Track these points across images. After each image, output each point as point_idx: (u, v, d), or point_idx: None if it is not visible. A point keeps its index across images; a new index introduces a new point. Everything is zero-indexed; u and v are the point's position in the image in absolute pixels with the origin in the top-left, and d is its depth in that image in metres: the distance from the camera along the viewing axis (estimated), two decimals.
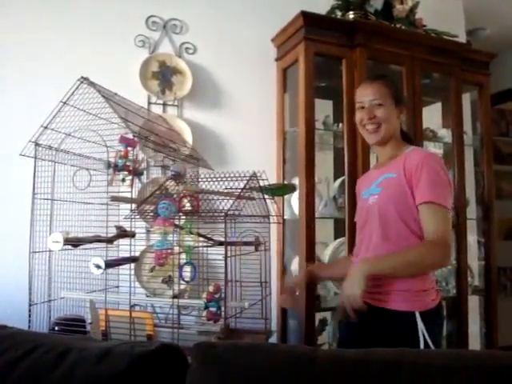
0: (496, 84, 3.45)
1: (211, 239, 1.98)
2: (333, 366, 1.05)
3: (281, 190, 2.23)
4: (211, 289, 1.73)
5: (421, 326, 1.58)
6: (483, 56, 3.01)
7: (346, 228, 2.43)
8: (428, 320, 1.60)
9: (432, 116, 2.97)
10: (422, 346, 1.56)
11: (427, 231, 1.59)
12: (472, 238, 3.00)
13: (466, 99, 3.12)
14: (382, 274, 1.61)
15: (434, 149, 3.00)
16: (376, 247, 1.70)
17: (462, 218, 2.76)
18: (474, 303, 3.00)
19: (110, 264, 1.80)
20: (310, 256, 2.34)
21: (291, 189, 2.29)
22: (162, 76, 2.56)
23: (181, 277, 1.87)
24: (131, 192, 1.84)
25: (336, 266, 2.12)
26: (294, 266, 2.53)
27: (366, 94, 1.78)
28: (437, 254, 1.58)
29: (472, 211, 2.99)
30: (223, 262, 1.67)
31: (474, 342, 2.92)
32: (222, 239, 1.73)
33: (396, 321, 1.61)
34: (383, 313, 1.63)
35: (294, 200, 2.53)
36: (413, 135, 2.47)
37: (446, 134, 2.90)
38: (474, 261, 3.00)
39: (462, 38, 3.25)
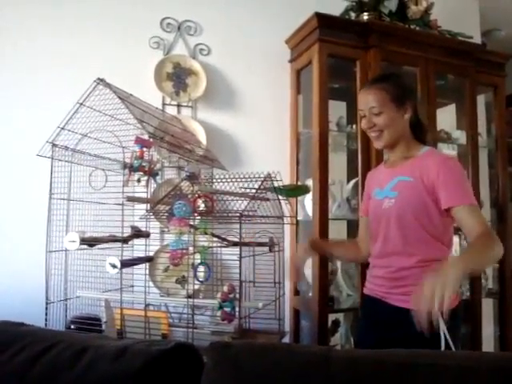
0: (511, 85, 3.42)
1: (226, 240, 1.99)
2: (348, 366, 1.05)
3: (294, 192, 2.23)
4: (225, 289, 1.75)
5: (442, 326, 1.57)
6: (498, 57, 3.00)
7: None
8: (449, 319, 1.58)
9: (446, 117, 2.96)
10: (443, 345, 1.55)
11: (472, 229, 1.56)
12: None
13: (481, 101, 3.11)
14: (471, 271, 1.55)
15: (448, 150, 2.99)
16: (396, 248, 1.70)
17: None
18: (487, 306, 2.98)
19: (125, 264, 1.82)
20: (324, 257, 2.34)
21: (305, 190, 2.30)
22: (177, 77, 2.58)
23: (195, 277, 1.88)
24: (146, 192, 1.86)
25: (342, 246, 2.13)
26: (308, 267, 2.52)
27: (364, 102, 1.75)
28: (497, 242, 1.54)
29: (486, 213, 2.97)
30: (237, 262, 1.69)
31: (488, 345, 2.90)
32: (237, 240, 1.74)
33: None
34: (403, 312, 1.62)
35: (308, 201, 2.53)
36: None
37: (460, 136, 2.89)
38: None
39: (477, 39, 3.24)
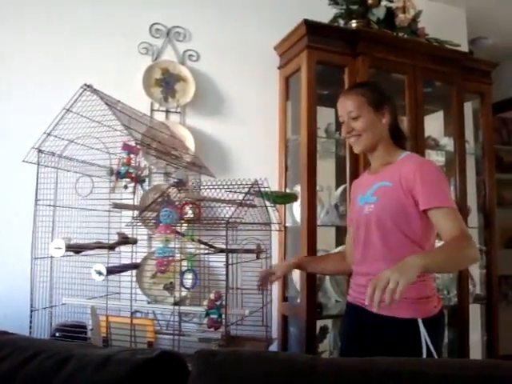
0: (498, 93, 3.46)
1: (213, 246, 1.98)
2: (333, 374, 1.05)
3: (282, 199, 2.23)
4: (212, 296, 1.74)
5: (423, 333, 1.58)
6: (485, 65, 3.03)
7: None
8: (430, 327, 1.60)
9: (434, 124, 2.98)
10: (424, 353, 1.56)
11: (447, 231, 1.55)
12: None
13: (468, 108, 3.14)
14: (433, 269, 1.56)
15: (437, 157, 3.01)
16: (376, 254, 1.70)
17: None
18: (475, 312, 2.99)
19: (111, 270, 1.81)
20: None
21: (293, 198, 2.30)
22: (165, 83, 2.58)
23: (182, 284, 1.87)
24: (133, 199, 1.85)
25: (327, 260, 2.15)
26: (296, 273, 2.53)
27: (342, 108, 1.77)
28: (472, 246, 1.54)
29: (473, 219, 3.00)
30: (224, 269, 1.68)
31: (475, 351, 2.91)
32: (224, 246, 1.74)
33: (399, 328, 1.61)
34: (385, 320, 1.62)
35: (296, 208, 2.53)
36: (411, 137, 2.49)
37: (447, 143, 2.91)
38: (475, 269, 2.99)
39: (464, 47, 3.27)
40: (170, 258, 1.75)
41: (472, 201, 3.01)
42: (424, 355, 1.55)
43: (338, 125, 2.65)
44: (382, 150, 1.77)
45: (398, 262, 1.58)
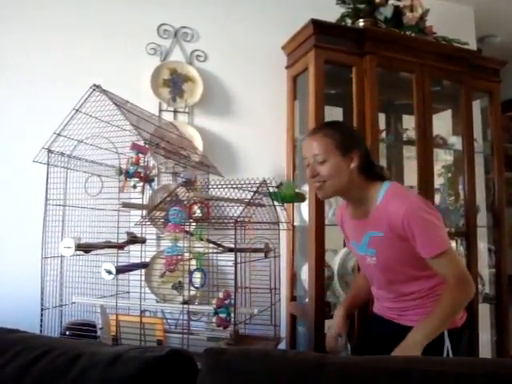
0: (507, 91, 3.44)
1: (221, 246, 1.99)
2: (342, 373, 1.05)
3: (290, 198, 2.23)
4: (221, 295, 1.75)
5: (447, 343, 1.59)
6: (493, 63, 3.01)
7: None
8: (454, 339, 1.62)
9: (442, 123, 2.97)
10: None
11: (445, 277, 1.58)
12: (482, 246, 2.98)
13: (477, 106, 3.12)
14: (434, 337, 1.54)
15: (445, 156, 3.01)
16: (391, 287, 1.74)
17: (472, 226, 2.75)
18: (484, 311, 2.98)
19: (120, 270, 1.82)
20: (320, 263, 2.35)
21: (301, 198, 2.30)
22: (173, 83, 2.59)
23: (191, 283, 1.88)
24: (142, 198, 1.86)
25: (360, 294, 2.00)
26: (304, 272, 2.52)
27: (308, 149, 1.67)
28: (466, 291, 1.57)
29: (482, 219, 2.98)
30: (233, 268, 1.69)
31: (485, 351, 2.90)
32: (232, 246, 1.74)
33: None
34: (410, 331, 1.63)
35: (304, 207, 2.53)
36: (418, 137, 2.48)
37: (456, 142, 2.89)
38: (484, 268, 2.98)
39: (473, 45, 3.25)
40: (179, 257, 1.75)
41: (481, 200, 2.99)
42: None
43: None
44: (355, 192, 1.68)
45: (416, 289, 1.68)
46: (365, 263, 1.76)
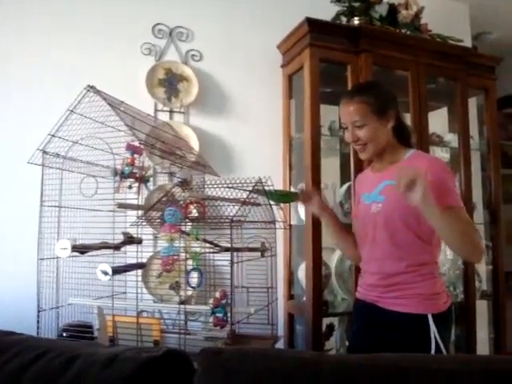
0: (502, 88, 3.44)
1: (217, 245, 1.99)
2: (338, 371, 1.05)
3: (285, 197, 2.23)
4: (218, 295, 1.74)
5: (433, 328, 1.59)
6: (489, 60, 3.01)
7: None
8: (439, 323, 1.61)
9: (438, 121, 2.97)
10: (433, 348, 1.57)
11: None
12: None
13: (473, 103, 3.12)
14: (431, 218, 1.48)
15: (441, 153, 3.00)
16: (384, 252, 1.70)
17: None
18: (481, 308, 2.98)
19: (117, 270, 1.82)
20: (317, 261, 2.35)
21: (295, 197, 2.30)
22: (169, 83, 2.58)
23: (187, 283, 1.88)
24: (138, 199, 1.86)
25: (350, 234, 1.96)
26: (301, 271, 2.53)
27: (346, 115, 1.73)
28: (478, 237, 1.56)
29: (479, 215, 2.98)
30: (229, 267, 1.68)
31: (483, 348, 2.90)
32: (229, 245, 1.74)
33: (409, 323, 1.62)
34: (396, 316, 1.64)
35: (301, 206, 2.53)
36: (417, 135, 2.48)
37: (452, 139, 2.90)
38: (481, 265, 2.98)
39: (468, 43, 3.26)
40: (175, 257, 1.75)
41: (477, 197, 2.99)
42: (433, 350, 1.56)
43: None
44: (388, 152, 1.76)
45: (405, 260, 1.64)
46: (366, 215, 1.74)
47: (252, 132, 2.74)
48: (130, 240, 1.92)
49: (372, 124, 1.69)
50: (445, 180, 1.60)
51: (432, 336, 1.58)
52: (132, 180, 1.83)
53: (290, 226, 2.62)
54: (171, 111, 2.60)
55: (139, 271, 1.97)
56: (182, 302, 1.88)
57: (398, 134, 1.77)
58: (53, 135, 1.87)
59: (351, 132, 1.72)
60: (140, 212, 1.87)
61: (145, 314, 2.15)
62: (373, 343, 1.65)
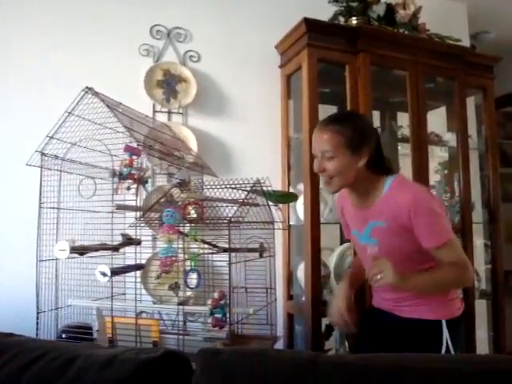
0: (501, 87, 3.45)
1: (216, 246, 1.99)
2: (336, 371, 1.05)
3: (283, 198, 2.23)
4: (216, 295, 1.75)
5: (446, 334, 1.60)
6: (487, 59, 3.02)
7: None
8: (453, 328, 1.63)
9: (436, 120, 2.97)
10: (443, 353, 1.58)
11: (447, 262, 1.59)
12: (478, 242, 3.00)
13: (471, 103, 3.12)
14: (407, 289, 1.58)
15: (440, 153, 3.01)
16: None
17: (467, 222, 2.75)
18: (481, 307, 2.98)
19: (116, 272, 1.82)
20: (316, 262, 2.35)
21: (293, 198, 2.30)
22: (167, 84, 2.58)
23: (186, 284, 1.88)
24: (136, 200, 1.86)
25: (360, 271, 1.88)
26: (300, 271, 2.53)
27: (318, 142, 1.63)
28: (465, 276, 1.60)
29: (478, 214, 2.98)
30: (228, 268, 1.69)
31: (482, 348, 2.90)
32: (227, 246, 1.74)
33: (423, 328, 1.63)
34: (409, 323, 1.65)
35: (299, 206, 2.53)
36: (415, 135, 2.48)
37: (450, 138, 2.90)
38: (480, 264, 2.99)
39: (466, 42, 3.26)
40: (174, 258, 1.75)
41: (476, 196, 2.99)
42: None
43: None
44: (361, 184, 1.66)
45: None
46: (365, 254, 1.74)
47: (250, 132, 2.74)
48: (128, 241, 1.93)
49: (342, 158, 1.59)
50: (432, 215, 1.56)
51: (444, 341, 1.60)
52: (130, 181, 1.83)
53: (289, 226, 2.62)
54: (170, 112, 2.60)
55: (138, 272, 1.97)
56: (181, 303, 1.88)
57: (374, 164, 1.65)
58: (51, 137, 1.88)
59: (319, 162, 1.63)
60: (139, 213, 1.87)
61: (144, 315, 2.15)
62: (384, 346, 1.63)
